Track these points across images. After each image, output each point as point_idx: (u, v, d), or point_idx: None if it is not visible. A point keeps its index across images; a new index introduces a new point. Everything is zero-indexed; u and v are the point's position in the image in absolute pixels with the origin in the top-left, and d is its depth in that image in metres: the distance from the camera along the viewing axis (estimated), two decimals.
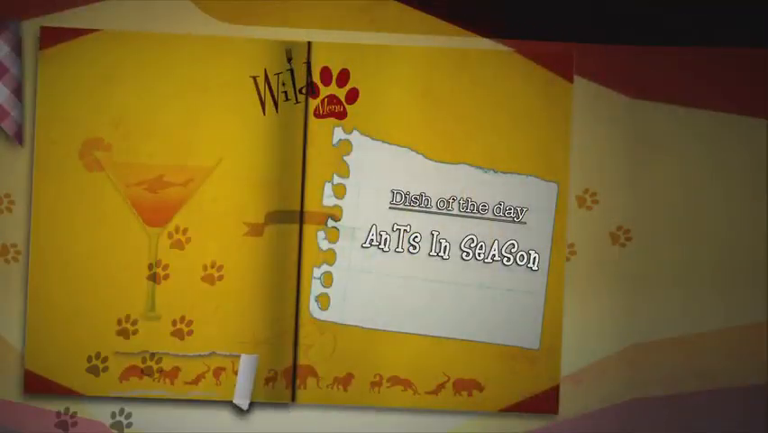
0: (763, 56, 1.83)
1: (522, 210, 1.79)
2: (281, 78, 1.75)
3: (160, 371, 1.75)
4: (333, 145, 1.77)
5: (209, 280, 1.75)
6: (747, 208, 1.86)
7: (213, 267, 1.76)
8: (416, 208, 1.78)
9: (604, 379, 1.85)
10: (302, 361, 1.76)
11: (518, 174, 1.78)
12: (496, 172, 1.78)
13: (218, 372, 1.75)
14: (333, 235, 1.77)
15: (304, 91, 1.76)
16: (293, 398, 1.76)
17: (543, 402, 1.81)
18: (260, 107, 1.75)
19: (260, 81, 1.75)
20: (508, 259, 1.79)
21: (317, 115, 1.76)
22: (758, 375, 1.89)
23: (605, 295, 1.83)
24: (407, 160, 1.78)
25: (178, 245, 1.75)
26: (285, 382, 1.76)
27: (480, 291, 1.79)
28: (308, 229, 1.76)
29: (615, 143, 1.81)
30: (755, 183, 1.85)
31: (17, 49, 1.71)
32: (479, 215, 1.78)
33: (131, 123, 1.74)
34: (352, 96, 1.76)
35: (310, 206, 1.76)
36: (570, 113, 1.78)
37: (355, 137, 1.77)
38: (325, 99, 1.76)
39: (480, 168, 1.78)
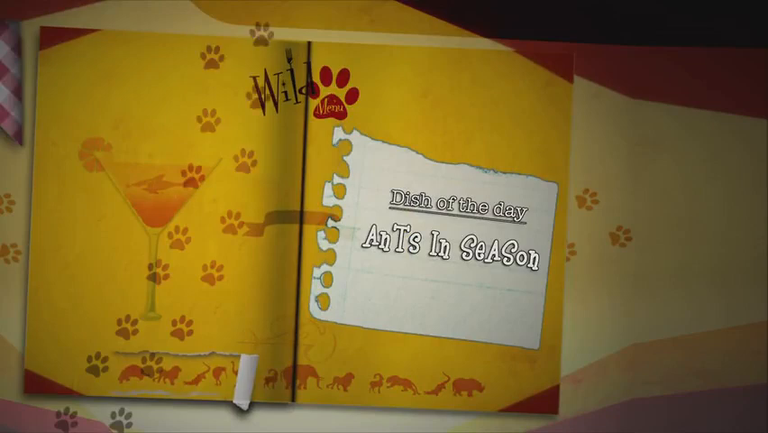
0: (763, 56, 1.83)
1: (522, 210, 1.79)
2: (281, 78, 1.75)
3: (160, 371, 1.75)
4: (333, 145, 1.77)
5: (209, 280, 1.75)
6: (747, 208, 1.86)
7: (213, 267, 1.76)
8: (416, 208, 1.78)
9: (604, 379, 1.85)
10: (302, 361, 1.76)
11: (518, 174, 1.78)
12: (496, 172, 1.78)
13: (218, 372, 1.75)
14: (333, 235, 1.77)
15: (304, 91, 1.76)
16: (293, 398, 1.76)
17: (543, 402, 1.81)
18: (260, 107, 1.75)
19: (260, 81, 1.75)
20: (508, 259, 1.79)
21: (317, 115, 1.76)
22: (758, 375, 1.89)
23: (605, 295, 1.83)
24: (407, 160, 1.78)
25: (178, 245, 1.75)
26: (285, 383, 1.76)
27: (479, 291, 1.79)
28: (308, 229, 1.76)
29: (615, 143, 1.81)
30: (755, 183, 1.85)
31: (17, 49, 1.71)
32: (479, 215, 1.78)
33: (131, 123, 1.74)
34: (352, 96, 1.76)
35: (310, 206, 1.76)
36: (570, 113, 1.78)
37: (355, 137, 1.77)
38: (325, 99, 1.76)
39: (480, 168, 1.78)
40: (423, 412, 1.78)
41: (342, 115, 1.76)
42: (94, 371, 1.73)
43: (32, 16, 1.73)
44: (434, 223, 1.78)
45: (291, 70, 1.75)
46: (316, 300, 1.77)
